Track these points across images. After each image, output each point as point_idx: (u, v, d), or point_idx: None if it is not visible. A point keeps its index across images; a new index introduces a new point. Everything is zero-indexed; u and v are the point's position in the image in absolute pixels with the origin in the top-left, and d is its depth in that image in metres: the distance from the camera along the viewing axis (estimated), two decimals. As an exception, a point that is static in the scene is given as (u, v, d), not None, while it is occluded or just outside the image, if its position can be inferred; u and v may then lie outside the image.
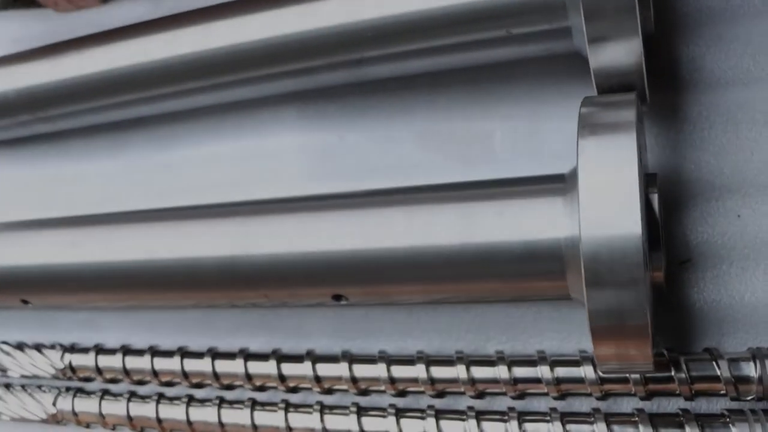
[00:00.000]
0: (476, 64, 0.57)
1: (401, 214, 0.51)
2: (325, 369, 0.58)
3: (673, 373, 0.50)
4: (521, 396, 0.55)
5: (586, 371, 0.52)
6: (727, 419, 0.50)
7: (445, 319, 0.59)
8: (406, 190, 0.53)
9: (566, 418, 0.52)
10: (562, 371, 0.53)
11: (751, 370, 0.49)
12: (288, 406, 0.59)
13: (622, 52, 0.47)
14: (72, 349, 0.68)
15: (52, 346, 0.69)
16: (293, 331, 0.63)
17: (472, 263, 0.48)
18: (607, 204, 0.40)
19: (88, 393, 0.67)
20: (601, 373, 0.51)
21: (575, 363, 0.53)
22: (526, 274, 0.48)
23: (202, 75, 0.61)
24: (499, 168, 0.59)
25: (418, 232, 0.49)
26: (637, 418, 0.51)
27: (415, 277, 0.50)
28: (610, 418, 0.51)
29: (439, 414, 0.55)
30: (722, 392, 0.50)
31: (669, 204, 0.55)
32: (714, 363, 0.50)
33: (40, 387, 0.69)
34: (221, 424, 0.60)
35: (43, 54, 0.68)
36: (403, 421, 0.55)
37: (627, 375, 0.51)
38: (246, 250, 0.54)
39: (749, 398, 0.50)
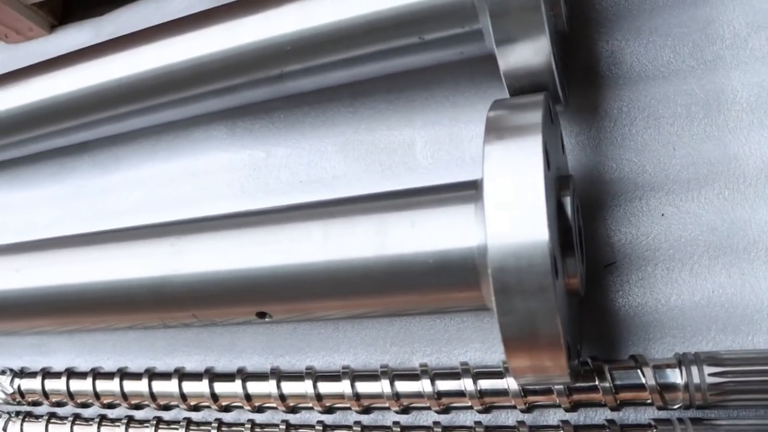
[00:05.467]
0: (394, 71, 0.56)
1: (318, 229, 0.49)
2: (255, 387, 0.58)
3: (597, 383, 0.48)
4: (446, 410, 0.53)
5: (510, 383, 0.50)
6: (654, 429, 0.48)
7: (370, 332, 0.58)
8: (324, 203, 0.52)
9: (490, 431, 0.51)
10: (485, 383, 0.51)
11: (676, 377, 0.47)
12: (221, 425, 0.59)
13: (530, 53, 0.46)
14: (21, 373, 0.69)
15: (2, 372, 0.70)
16: (226, 349, 0.63)
17: (386, 276, 0.46)
18: (513, 211, 0.38)
19: (37, 417, 0.67)
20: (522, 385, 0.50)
21: (498, 375, 0.51)
22: (440, 285, 0.45)
23: (134, 98, 0.61)
24: (421, 176, 0.58)
25: (333, 246, 0.48)
26: (562, 431, 0.49)
27: (332, 292, 0.49)
28: (534, 431, 0.50)
29: (365, 430, 0.54)
30: (648, 401, 0.48)
31: (591, 205, 0.53)
32: (639, 371, 0.48)
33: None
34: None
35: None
36: (330, 438, 0.55)
37: (551, 386, 0.49)
38: (173, 270, 0.54)
39: (676, 407, 0.48)
